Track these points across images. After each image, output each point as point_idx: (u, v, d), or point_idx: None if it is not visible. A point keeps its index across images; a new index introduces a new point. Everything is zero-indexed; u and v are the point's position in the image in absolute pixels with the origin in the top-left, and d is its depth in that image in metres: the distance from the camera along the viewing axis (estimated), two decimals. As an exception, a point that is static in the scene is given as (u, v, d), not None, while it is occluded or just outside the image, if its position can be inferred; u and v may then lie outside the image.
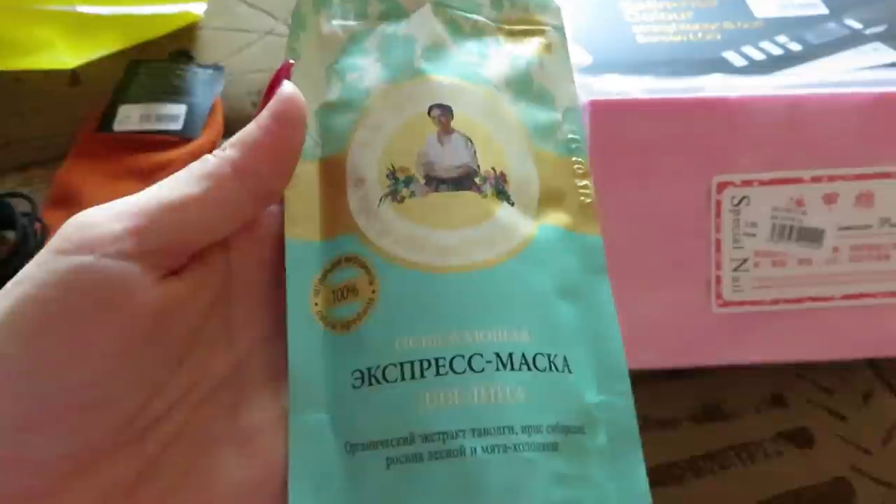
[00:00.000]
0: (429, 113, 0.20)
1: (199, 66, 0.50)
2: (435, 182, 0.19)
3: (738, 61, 0.41)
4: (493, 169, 0.20)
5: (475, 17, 0.22)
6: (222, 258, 0.20)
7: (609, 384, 0.19)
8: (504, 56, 0.22)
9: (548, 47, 0.23)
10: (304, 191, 0.20)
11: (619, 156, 0.34)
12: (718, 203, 0.35)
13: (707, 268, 0.35)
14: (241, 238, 0.20)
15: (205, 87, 0.49)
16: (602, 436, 0.18)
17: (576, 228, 0.21)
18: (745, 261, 0.35)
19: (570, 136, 0.22)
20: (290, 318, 0.19)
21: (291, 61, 0.21)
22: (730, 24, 0.44)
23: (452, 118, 0.20)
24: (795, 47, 0.42)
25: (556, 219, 0.20)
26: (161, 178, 0.46)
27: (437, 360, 0.18)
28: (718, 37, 0.43)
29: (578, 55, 0.41)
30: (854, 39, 0.42)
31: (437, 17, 0.22)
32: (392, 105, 0.20)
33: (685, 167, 0.34)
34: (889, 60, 0.41)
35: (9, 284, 0.17)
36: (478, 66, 0.21)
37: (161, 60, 0.50)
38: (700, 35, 0.43)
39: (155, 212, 0.18)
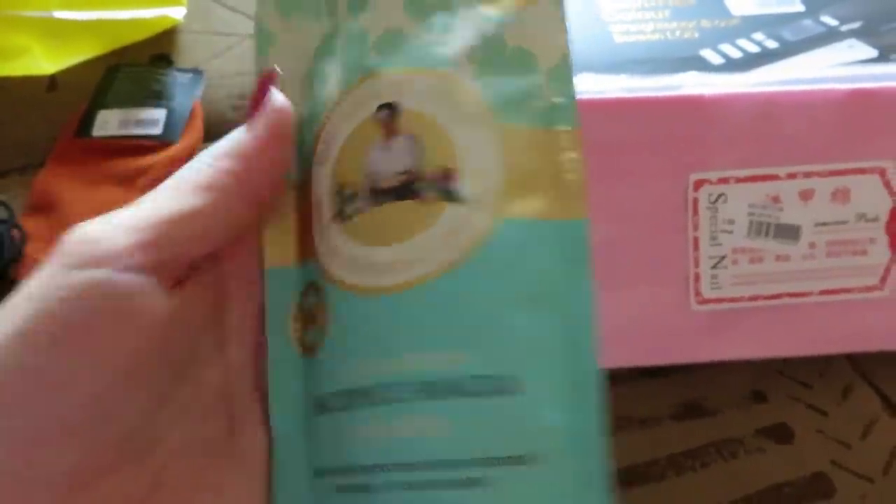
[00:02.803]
0: (373, 116, 0.19)
1: (179, 70, 0.50)
2: (377, 194, 0.18)
3: (716, 59, 0.41)
4: (440, 167, 0.18)
5: None
6: (215, 269, 0.20)
7: (575, 401, 0.16)
8: (472, 21, 0.19)
9: None
10: (282, 217, 0.20)
11: (596, 155, 0.34)
12: (695, 201, 0.35)
13: (685, 265, 0.35)
14: (231, 249, 0.20)
15: (184, 92, 0.49)
16: (559, 458, 0.16)
17: (552, 214, 0.18)
18: (723, 258, 0.35)
19: (553, 100, 0.18)
20: (270, 345, 0.19)
21: (277, 68, 0.20)
22: (707, 23, 0.44)
23: (400, 116, 0.18)
24: (772, 45, 0.42)
25: (525, 208, 0.18)
26: (141, 184, 0.45)
27: (366, 389, 0.17)
28: (696, 35, 0.43)
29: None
30: (830, 36, 0.43)
31: None
32: (343, 113, 0.19)
33: (662, 165, 0.35)
34: (864, 56, 0.41)
35: (18, 299, 0.17)
36: (436, 45, 0.19)
37: (140, 65, 0.50)
38: (677, 33, 0.43)
39: (161, 225, 0.18)
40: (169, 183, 0.19)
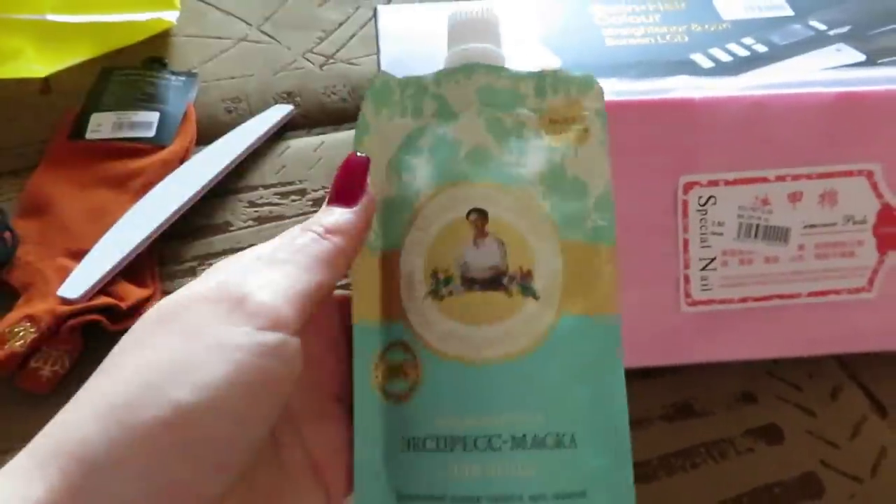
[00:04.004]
0: (467, 217, 0.23)
1: (173, 73, 0.50)
2: (469, 282, 0.22)
3: (706, 63, 0.42)
4: (520, 268, 0.23)
5: (518, 110, 0.24)
6: (305, 331, 0.22)
7: (611, 452, 0.22)
8: (541, 151, 0.24)
9: (585, 134, 0.25)
10: (367, 279, 0.24)
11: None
12: (685, 203, 0.35)
13: (676, 267, 0.35)
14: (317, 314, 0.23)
15: (178, 94, 0.49)
16: (602, 493, 0.22)
17: (596, 310, 0.23)
18: (712, 260, 0.35)
19: (599, 223, 0.24)
20: (356, 387, 0.23)
21: (366, 157, 0.23)
22: (697, 27, 0.44)
23: (488, 222, 0.23)
24: (761, 48, 0.43)
25: (578, 306, 0.23)
26: (133, 186, 0.45)
27: (464, 437, 0.22)
28: (686, 39, 0.44)
29: (547, 58, 0.41)
30: (818, 40, 0.43)
31: (482, 117, 0.24)
32: (437, 209, 0.23)
33: (652, 168, 0.35)
34: (852, 60, 0.42)
35: (215, 344, 0.19)
36: (515, 167, 0.24)
37: (134, 68, 0.50)
38: (668, 37, 0.44)
39: (304, 297, 0.21)
40: (297, 253, 0.21)
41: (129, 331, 0.20)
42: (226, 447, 0.19)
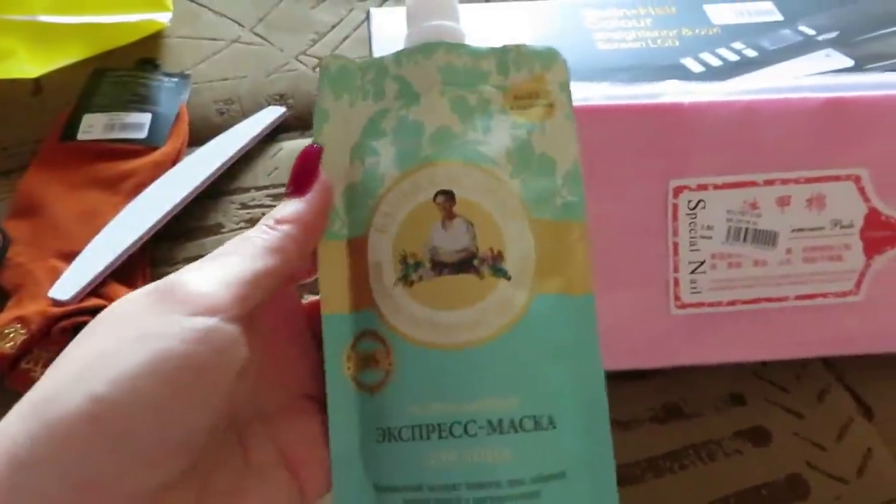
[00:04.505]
0: (434, 199, 0.22)
1: (165, 74, 0.50)
2: (439, 267, 0.22)
3: (696, 67, 0.42)
4: (491, 249, 0.22)
5: (482, 88, 0.24)
6: (261, 323, 0.22)
7: (591, 433, 0.22)
8: (507, 127, 0.23)
9: (550, 109, 0.24)
10: (335, 268, 0.23)
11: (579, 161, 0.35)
12: (675, 207, 0.35)
13: (665, 270, 0.35)
14: (268, 302, 0.22)
15: (170, 96, 0.49)
16: (583, 472, 0.22)
17: (570, 289, 0.23)
18: (702, 263, 0.36)
19: (568, 199, 0.23)
20: (328, 380, 0.23)
21: (321, 146, 0.23)
22: (688, 31, 0.45)
23: (455, 203, 0.22)
24: (751, 53, 0.43)
25: (552, 285, 0.23)
26: (125, 188, 0.45)
27: (439, 425, 0.21)
28: (677, 43, 0.44)
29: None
30: (807, 45, 0.43)
31: (445, 97, 0.23)
32: (403, 193, 0.23)
33: (642, 172, 0.35)
34: (841, 66, 0.42)
35: (129, 336, 0.19)
36: (481, 145, 0.23)
37: (126, 69, 0.50)
38: (659, 42, 0.44)
39: (247, 282, 0.21)
40: (243, 244, 0.22)
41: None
42: (150, 440, 0.18)
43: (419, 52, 0.24)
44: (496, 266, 0.22)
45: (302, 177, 0.23)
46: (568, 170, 0.24)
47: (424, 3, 0.25)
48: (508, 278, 0.22)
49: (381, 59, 0.24)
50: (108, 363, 0.18)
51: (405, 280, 0.22)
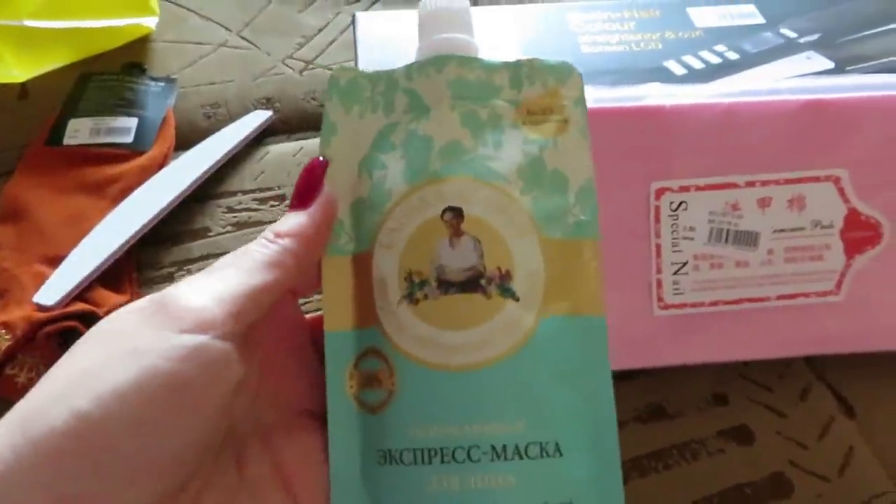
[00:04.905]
0: (442, 216, 0.22)
1: (151, 78, 0.50)
2: (446, 285, 0.21)
3: (679, 70, 0.42)
4: (498, 268, 0.21)
5: (494, 102, 0.23)
6: (261, 338, 0.22)
7: (599, 459, 0.22)
8: (518, 143, 0.23)
9: (564, 125, 0.23)
10: (339, 284, 0.23)
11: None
12: (657, 208, 0.36)
13: (648, 272, 0.36)
14: (267, 317, 0.22)
15: (156, 100, 0.49)
16: (591, 501, 0.21)
17: (580, 310, 0.22)
18: (684, 264, 0.36)
19: (581, 217, 0.23)
20: (329, 398, 0.22)
21: (326, 160, 0.23)
22: (671, 34, 0.45)
23: (463, 220, 0.22)
24: (733, 56, 0.43)
25: (561, 306, 0.22)
26: (111, 192, 0.45)
27: (441, 449, 0.20)
28: (660, 46, 0.44)
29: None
30: (789, 48, 0.44)
31: (455, 111, 0.23)
32: (410, 208, 0.22)
33: (625, 174, 0.35)
34: (821, 68, 0.43)
35: (119, 352, 0.19)
36: (491, 161, 0.22)
37: (112, 73, 0.50)
38: (642, 45, 0.44)
39: (242, 298, 0.20)
40: (240, 258, 0.21)
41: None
42: (135, 459, 0.18)
43: (430, 64, 0.23)
44: (504, 286, 0.21)
45: (305, 190, 0.23)
46: (581, 187, 0.23)
47: (437, 15, 0.25)
48: (517, 299, 0.21)
49: (392, 71, 0.24)
50: (93, 379, 0.18)
51: (410, 298, 0.22)
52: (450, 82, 0.23)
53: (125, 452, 0.18)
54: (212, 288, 0.20)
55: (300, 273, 0.22)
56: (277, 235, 0.22)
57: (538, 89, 0.23)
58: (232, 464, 0.22)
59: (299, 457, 0.22)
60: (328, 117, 0.24)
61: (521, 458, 0.20)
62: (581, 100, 0.24)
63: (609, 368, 0.22)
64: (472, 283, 0.21)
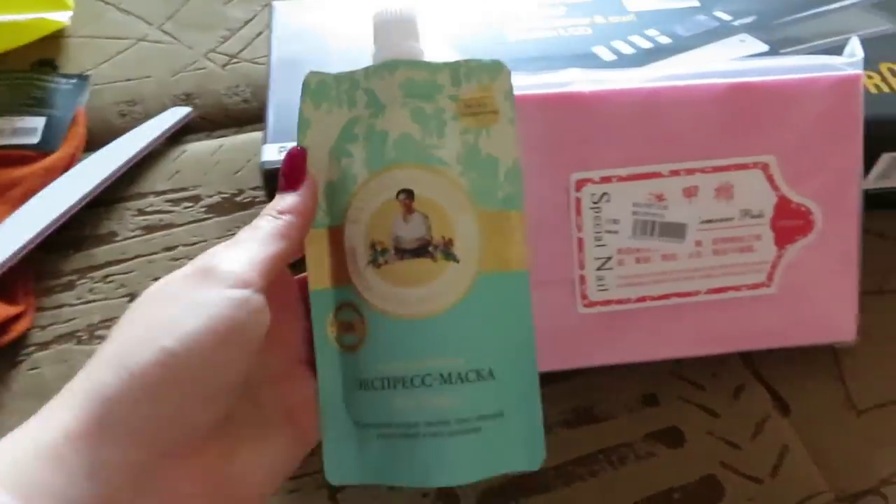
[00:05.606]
0: (397, 197, 0.27)
1: (63, 75, 0.48)
2: (401, 252, 0.27)
3: (607, 56, 0.41)
4: (443, 237, 0.26)
5: (438, 98, 0.27)
6: (269, 296, 0.26)
7: (523, 380, 0.27)
8: (458, 133, 0.27)
9: (495, 116, 0.28)
10: (319, 252, 0.28)
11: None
12: (578, 201, 0.34)
13: (570, 268, 0.34)
14: (273, 283, 0.26)
15: (67, 98, 0.46)
16: (516, 412, 0.27)
17: (508, 266, 0.27)
18: (608, 259, 0.34)
19: (509, 192, 0.28)
20: (316, 342, 0.28)
21: (304, 148, 0.28)
22: (601, 19, 0.43)
23: (414, 200, 0.27)
24: (665, 40, 0.42)
25: (492, 265, 0.27)
26: (12, 196, 0.43)
27: (402, 378, 0.26)
28: (589, 31, 0.42)
29: (448, 55, 0.40)
30: (722, 31, 0.42)
31: (406, 108, 0.27)
32: (371, 191, 0.27)
33: (542, 165, 0.34)
34: (755, 51, 0.41)
35: (195, 303, 0.23)
36: (436, 150, 0.27)
37: (21, 71, 0.48)
38: (571, 30, 0.42)
39: (265, 262, 0.25)
40: (256, 231, 0.26)
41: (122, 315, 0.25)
42: (208, 384, 0.23)
43: (384, 68, 0.28)
44: (447, 251, 0.27)
45: (292, 175, 0.27)
46: (509, 167, 0.28)
47: (389, 25, 0.30)
48: (457, 261, 0.27)
49: (353, 72, 0.28)
50: (172, 325, 0.23)
51: (374, 263, 0.27)
52: (401, 83, 0.27)
53: (200, 380, 0.23)
54: (241, 256, 0.25)
55: (301, 242, 0.27)
56: (280, 212, 0.26)
57: (474, 86, 0.28)
58: (253, 402, 0.26)
59: (299, 396, 0.28)
60: (302, 114, 0.28)
61: (462, 382, 0.26)
62: (509, 93, 0.28)
63: (531, 310, 0.28)
64: (422, 250, 0.26)
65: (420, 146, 0.27)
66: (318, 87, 0.28)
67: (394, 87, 0.28)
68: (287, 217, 0.27)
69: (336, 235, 0.28)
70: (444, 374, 0.26)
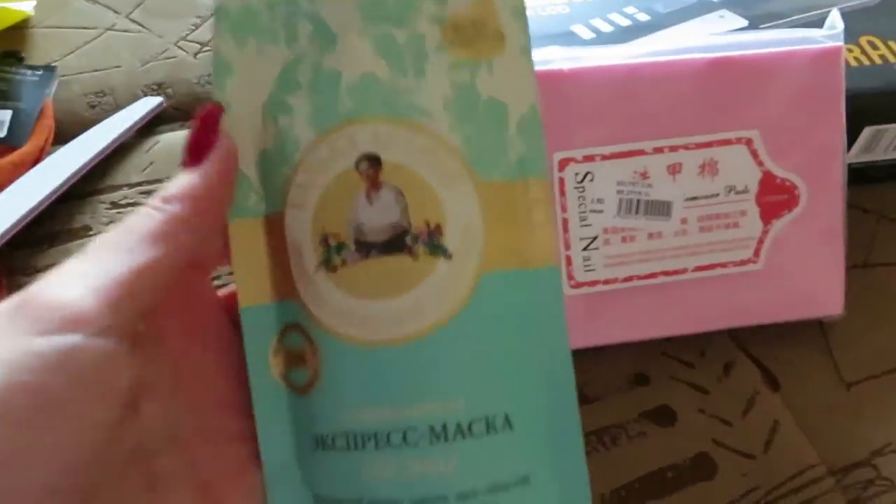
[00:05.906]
0: (356, 167, 0.18)
1: (28, 67, 0.46)
2: (366, 247, 0.18)
3: (586, 34, 0.40)
4: (426, 223, 0.18)
5: (414, 20, 0.19)
6: (166, 328, 0.19)
7: (556, 427, 0.19)
8: (445, 69, 0.19)
9: (500, 41, 0.19)
10: (251, 252, 0.20)
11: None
12: (562, 181, 0.33)
13: (556, 249, 0.33)
14: (171, 301, 0.19)
15: (33, 90, 0.45)
16: (550, 475, 0.19)
17: (528, 262, 0.19)
18: (594, 239, 0.34)
19: (524, 152, 0.19)
20: (252, 381, 0.20)
21: (219, 105, 0.19)
22: (579, -3, 0.43)
23: (381, 169, 0.18)
24: (644, 17, 0.41)
25: (505, 260, 0.19)
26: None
27: (375, 433, 0.18)
28: (567, 10, 0.42)
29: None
30: (701, 7, 0.42)
31: (367, 37, 0.19)
32: (319, 161, 0.19)
33: (526, 145, 0.33)
34: (735, 26, 0.41)
35: None
36: (412, 94, 0.18)
37: (-17, 63, 0.46)
38: (548, 9, 0.42)
39: (122, 282, 0.17)
40: (119, 235, 0.18)
41: None
42: (2, 497, 0.15)
43: None
44: (433, 243, 0.18)
45: (198, 144, 0.19)
46: (523, 116, 0.19)
47: None
48: (449, 256, 0.18)
49: None
50: None
51: (327, 265, 0.18)
52: (359, 2, 0.19)
53: (16, 470, 0.15)
54: (84, 274, 0.17)
55: (198, 243, 0.19)
56: (164, 201, 0.18)
57: (467, 0, 0.19)
58: (141, 485, 0.18)
59: (226, 471, 0.19)
60: (219, 55, 0.19)
61: (464, 437, 0.18)
62: (521, 8, 0.19)
63: (565, 324, 0.19)
64: (395, 242, 0.18)
65: (389, 91, 0.19)
66: (240, 16, 0.19)
67: (349, 8, 0.19)
68: (171, 207, 0.18)
69: (275, 227, 0.20)
70: (437, 426, 0.18)
